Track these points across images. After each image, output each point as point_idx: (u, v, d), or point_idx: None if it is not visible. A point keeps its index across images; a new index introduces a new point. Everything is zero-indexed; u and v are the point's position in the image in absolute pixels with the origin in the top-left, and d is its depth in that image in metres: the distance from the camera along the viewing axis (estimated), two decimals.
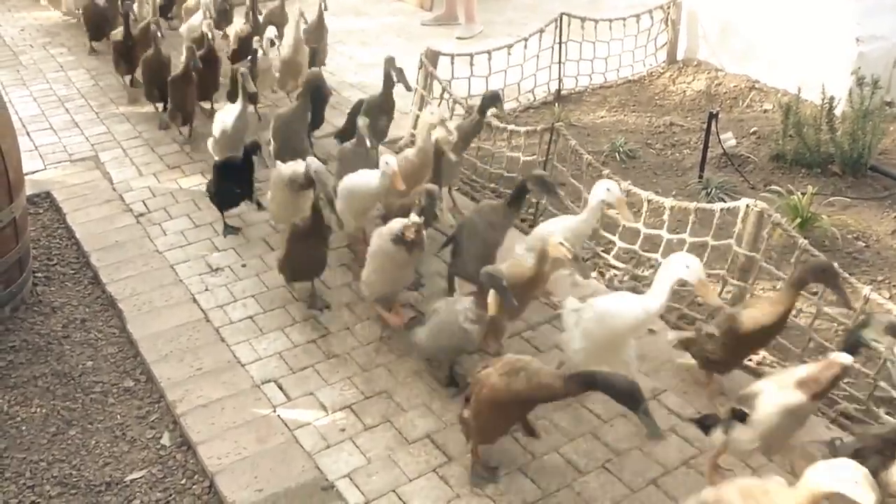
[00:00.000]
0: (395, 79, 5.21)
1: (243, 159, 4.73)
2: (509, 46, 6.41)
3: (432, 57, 5.91)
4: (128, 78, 6.96)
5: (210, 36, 6.24)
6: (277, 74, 6.33)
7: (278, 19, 7.04)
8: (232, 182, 4.82)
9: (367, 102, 5.28)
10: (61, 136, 6.21)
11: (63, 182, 5.52)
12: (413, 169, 4.50)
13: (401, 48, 7.40)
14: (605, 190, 3.85)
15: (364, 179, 4.31)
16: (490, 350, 3.79)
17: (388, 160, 4.13)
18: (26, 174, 4.70)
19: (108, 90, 7.02)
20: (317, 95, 5.34)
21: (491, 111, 4.90)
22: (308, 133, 5.49)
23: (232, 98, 5.97)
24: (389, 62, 5.22)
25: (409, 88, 5.33)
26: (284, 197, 4.45)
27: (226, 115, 5.25)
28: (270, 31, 6.19)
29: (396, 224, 3.82)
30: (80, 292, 4.50)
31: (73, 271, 4.68)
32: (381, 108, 5.30)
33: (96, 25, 7.69)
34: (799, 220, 4.77)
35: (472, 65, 6.13)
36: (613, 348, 3.44)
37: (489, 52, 6.26)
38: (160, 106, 6.40)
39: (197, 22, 6.84)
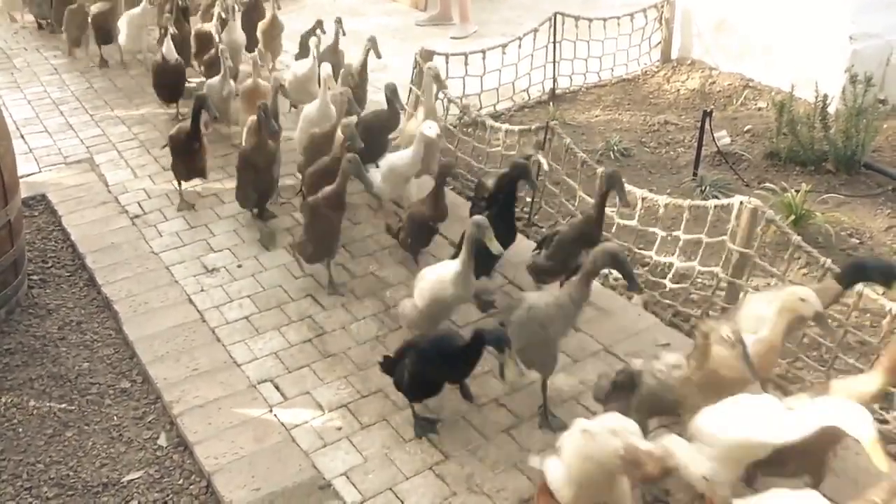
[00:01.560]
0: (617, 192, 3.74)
1: (472, 347, 3.21)
2: (503, 46, 6.42)
3: (427, 57, 5.92)
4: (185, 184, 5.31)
5: (350, 129, 4.46)
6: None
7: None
8: (439, 371, 3.36)
9: (564, 238, 3.83)
10: (56, 138, 6.21)
11: (58, 184, 5.52)
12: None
13: (396, 48, 7.40)
14: None
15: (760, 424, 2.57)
16: None
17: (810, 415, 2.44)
18: (21, 177, 4.70)
19: (102, 92, 7.02)
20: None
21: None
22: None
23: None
24: (612, 176, 3.76)
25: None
26: (596, 476, 2.75)
27: (441, 274, 3.60)
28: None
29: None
30: (76, 294, 4.50)
31: (68, 273, 4.68)
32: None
33: (166, 89, 6.34)
34: (793, 217, 4.79)
35: (466, 64, 6.15)
36: None
37: (483, 52, 6.27)
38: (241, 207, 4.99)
39: (316, 112, 5.10)
